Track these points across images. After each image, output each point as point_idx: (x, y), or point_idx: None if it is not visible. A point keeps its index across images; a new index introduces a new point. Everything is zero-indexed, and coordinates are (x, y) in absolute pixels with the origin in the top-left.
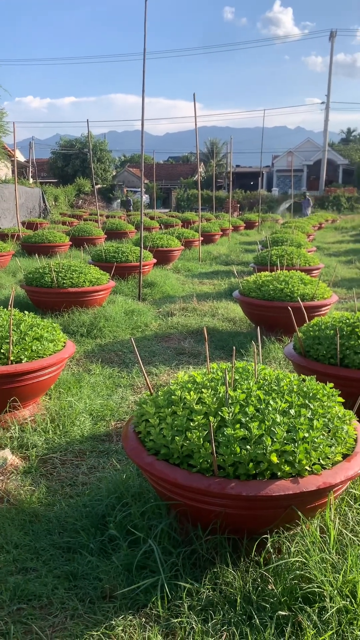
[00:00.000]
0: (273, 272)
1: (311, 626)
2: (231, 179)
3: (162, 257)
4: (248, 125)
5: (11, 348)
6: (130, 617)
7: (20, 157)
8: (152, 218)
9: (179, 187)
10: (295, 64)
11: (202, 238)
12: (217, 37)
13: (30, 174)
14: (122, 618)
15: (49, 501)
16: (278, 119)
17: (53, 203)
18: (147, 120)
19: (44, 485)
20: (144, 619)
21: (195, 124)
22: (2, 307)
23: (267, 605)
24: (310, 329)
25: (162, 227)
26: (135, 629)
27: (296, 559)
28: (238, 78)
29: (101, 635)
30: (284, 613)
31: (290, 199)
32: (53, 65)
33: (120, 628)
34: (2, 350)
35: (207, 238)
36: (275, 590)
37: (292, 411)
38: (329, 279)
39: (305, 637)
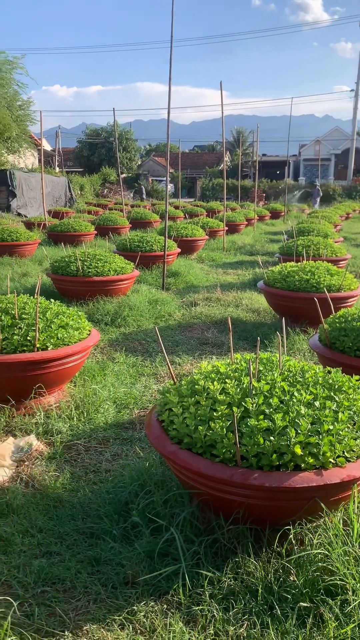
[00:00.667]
0: (299, 263)
1: (333, 618)
2: (257, 168)
3: (187, 247)
4: (275, 114)
5: (37, 335)
6: (152, 603)
7: (46, 146)
8: (176, 207)
9: (204, 176)
10: (324, 50)
11: (226, 228)
12: (245, 24)
13: (57, 163)
14: (144, 604)
15: (72, 487)
16: (306, 107)
17: (79, 192)
18: (173, 108)
19: (68, 471)
20: (165, 606)
21: (222, 113)
22: (28, 295)
23: (289, 596)
24: (337, 320)
25: (187, 217)
26: (157, 615)
27: (319, 551)
28: (265, 66)
29: (123, 620)
30: (305, 604)
31: (302, 188)
32: (80, 53)
33: (142, 614)
34: (28, 338)
35: (232, 228)
36: (297, 582)
37: (316, 403)
38: (356, 270)
39: (327, 630)
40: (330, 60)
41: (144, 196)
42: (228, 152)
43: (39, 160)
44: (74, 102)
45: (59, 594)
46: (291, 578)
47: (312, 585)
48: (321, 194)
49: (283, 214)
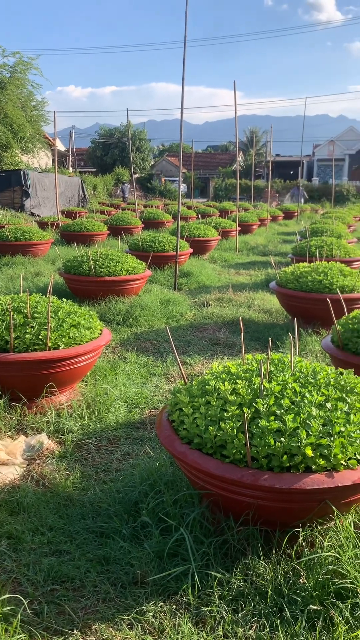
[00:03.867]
0: (312, 263)
1: (343, 622)
2: (270, 168)
3: (199, 247)
4: (289, 114)
5: (49, 334)
6: (161, 603)
7: (60, 146)
8: (189, 207)
9: (217, 177)
10: (337, 50)
11: (239, 228)
12: (258, 25)
13: (70, 163)
14: (152, 604)
15: (83, 486)
16: (320, 107)
17: (92, 192)
18: (187, 109)
19: (78, 470)
20: (174, 606)
21: (235, 113)
22: (41, 294)
23: (299, 599)
24: (350, 321)
25: (200, 217)
26: (166, 615)
27: (329, 553)
28: (279, 66)
29: (132, 619)
30: (315, 607)
31: (293, 188)
32: (96, 54)
33: (151, 614)
34: (40, 337)
35: (245, 228)
36: (307, 584)
37: (328, 404)
38: None
39: (337, 633)
40: (345, 60)
41: (127, 194)
42: (241, 152)
43: (53, 161)
44: (88, 103)
45: (69, 592)
46: (301, 580)
47: (323, 588)
48: (305, 195)
49: (296, 214)
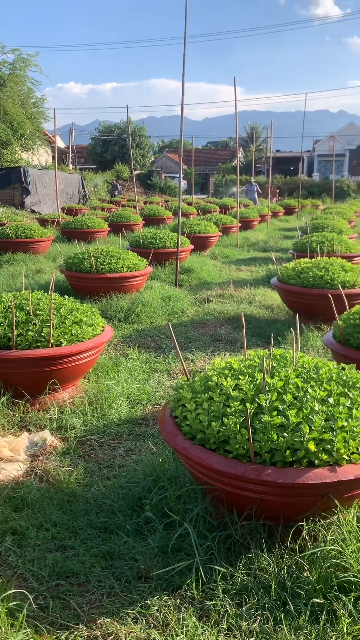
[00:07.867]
0: (313, 259)
1: (346, 615)
2: (271, 164)
3: (199, 244)
4: (289, 110)
5: (52, 331)
6: (165, 597)
7: (60, 143)
8: (189, 204)
9: (217, 173)
10: (336, 45)
11: (240, 224)
12: (257, 20)
13: (70, 160)
14: (157, 598)
15: (86, 482)
16: (320, 103)
17: (92, 189)
18: (187, 105)
19: (82, 466)
20: (178, 600)
21: (235, 109)
22: (42, 291)
23: (302, 592)
24: (351, 317)
25: (200, 213)
26: (170, 610)
27: (332, 547)
28: (279, 61)
29: (137, 614)
30: (318, 600)
31: (247, 184)
32: (96, 50)
33: (156, 608)
34: (42, 334)
35: (245, 224)
36: (311, 578)
37: (330, 400)
38: None
39: (340, 626)
40: (344, 55)
41: (116, 193)
42: (241, 148)
43: (53, 158)
44: (88, 99)
45: (73, 587)
46: (304, 574)
47: (326, 581)
48: (257, 189)
49: (297, 210)
